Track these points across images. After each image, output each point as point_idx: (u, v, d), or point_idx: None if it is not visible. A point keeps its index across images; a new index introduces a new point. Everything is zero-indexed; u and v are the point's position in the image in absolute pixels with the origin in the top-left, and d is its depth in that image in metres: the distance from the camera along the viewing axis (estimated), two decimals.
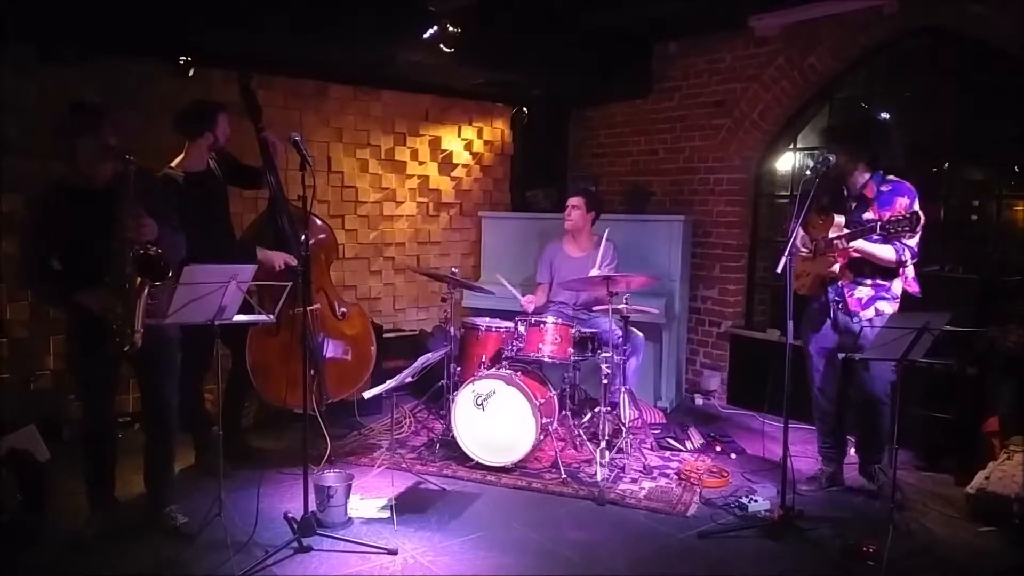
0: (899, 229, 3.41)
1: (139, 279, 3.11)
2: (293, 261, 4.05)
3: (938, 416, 4.50)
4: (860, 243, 3.66)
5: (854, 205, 3.82)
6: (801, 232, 3.81)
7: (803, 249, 3.92)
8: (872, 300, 3.77)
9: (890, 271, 3.75)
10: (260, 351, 4.18)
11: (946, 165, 4.85)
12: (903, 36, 4.92)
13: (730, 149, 5.83)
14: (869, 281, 3.79)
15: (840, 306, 3.85)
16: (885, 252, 3.65)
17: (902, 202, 3.67)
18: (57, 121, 3.34)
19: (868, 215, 3.73)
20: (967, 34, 4.62)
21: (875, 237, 3.58)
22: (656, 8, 5.22)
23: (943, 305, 3.52)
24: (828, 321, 3.91)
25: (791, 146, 5.78)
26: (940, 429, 4.47)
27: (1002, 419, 4.07)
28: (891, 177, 3.77)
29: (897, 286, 3.79)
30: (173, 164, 3.94)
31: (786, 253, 3.49)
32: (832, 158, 3.59)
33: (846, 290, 3.82)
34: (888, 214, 3.58)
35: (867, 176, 3.78)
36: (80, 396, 3.50)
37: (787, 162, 5.83)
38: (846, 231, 3.71)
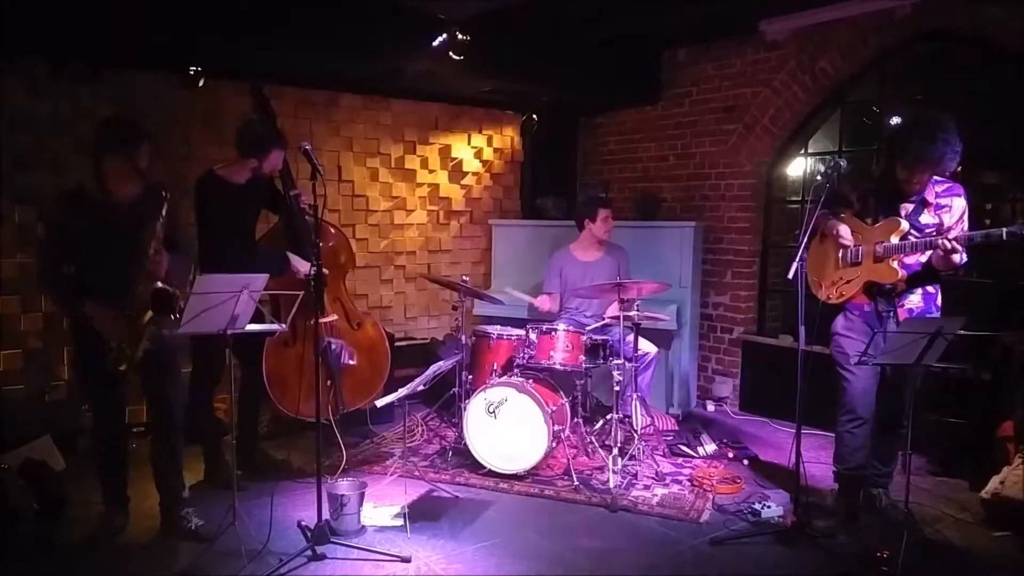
0: None
1: (149, 312, 3.18)
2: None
3: (952, 421, 4.47)
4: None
5: (910, 208, 3.59)
6: (845, 226, 3.65)
7: (847, 241, 3.65)
8: (922, 312, 3.59)
9: (936, 277, 3.60)
10: (277, 362, 4.21)
11: (959, 169, 4.81)
12: (916, 39, 4.89)
13: (741, 154, 5.82)
14: (919, 290, 3.60)
15: (891, 315, 3.61)
16: (956, 256, 3.40)
17: (959, 203, 3.51)
18: (93, 131, 3.36)
19: (926, 218, 3.55)
20: (981, 37, 4.59)
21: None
22: (665, 15, 5.22)
23: (957, 309, 3.50)
24: (875, 331, 3.54)
25: (802, 151, 5.76)
26: (954, 434, 4.44)
27: (1017, 424, 4.03)
28: (938, 177, 3.57)
29: (939, 296, 3.64)
30: (219, 167, 4.02)
31: (797, 259, 3.44)
32: (844, 163, 3.53)
33: (897, 299, 3.61)
34: (946, 216, 3.49)
35: (927, 178, 3.54)
36: (92, 407, 3.54)
37: (799, 167, 5.81)
38: (962, 232, 3.42)
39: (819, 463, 4.36)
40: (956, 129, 3.45)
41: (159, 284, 3.18)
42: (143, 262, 3.19)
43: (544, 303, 5.05)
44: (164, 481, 3.59)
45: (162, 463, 3.59)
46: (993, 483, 3.78)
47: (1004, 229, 3.19)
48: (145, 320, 3.19)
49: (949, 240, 3.32)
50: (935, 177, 3.56)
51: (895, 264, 3.54)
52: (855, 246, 3.66)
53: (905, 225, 3.54)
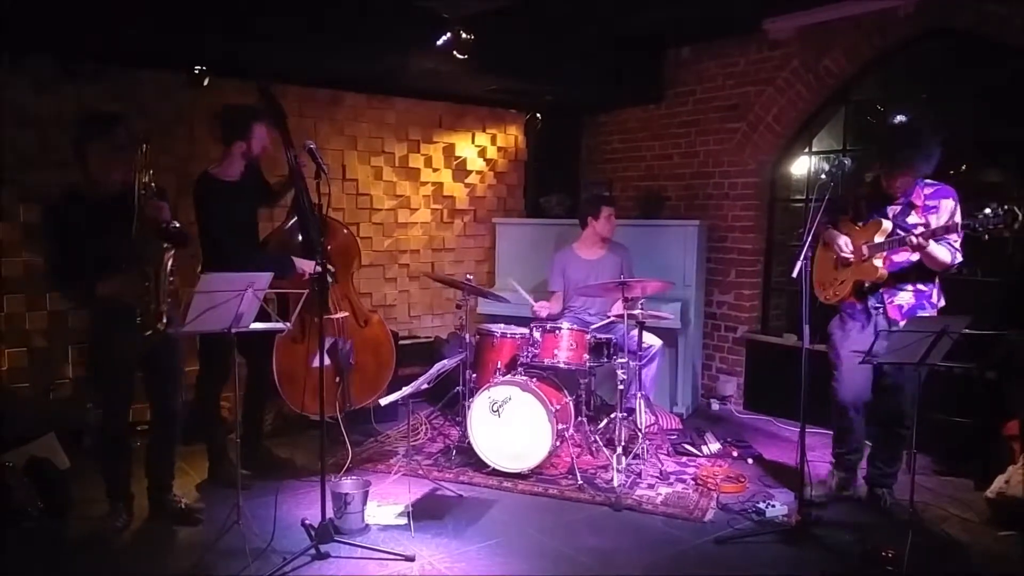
0: (995, 225, 3.21)
1: (165, 251, 3.26)
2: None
3: (957, 420, 4.46)
4: (931, 244, 3.46)
5: (897, 210, 3.70)
6: (845, 237, 3.78)
7: (847, 253, 3.76)
8: (913, 309, 3.66)
9: (930, 276, 3.68)
10: (287, 358, 4.21)
11: (963, 167, 4.81)
12: (920, 38, 4.88)
13: (745, 153, 5.81)
14: (910, 287, 3.69)
15: (880, 311, 3.72)
16: (942, 254, 3.51)
17: (948, 204, 3.59)
18: (73, 129, 3.40)
19: (913, 219, 3.64)
20: (984, 35, 4.57)
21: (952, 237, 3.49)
22: (669, 13, 5.22)
23: (962, 308, 3.49)
24: (865, 328, 3.73)
25: (806, 150, 5.74)
26: (959, 433, 4.43)
27: (1022, 423, 4.03)
28: (927, 180, 3.69)
29: (935, 294, 3.71)
30: (212, 167, 4.02)
31: (801, 257, 3.46)
32: (848, 162, 3.55)
33: (886, 296, 3.71)
34: (933, 217, 3.57)
35: (913, 181, 3.65)
36: (101, 399, 3.57)
37: (802, 166, 5.79)
38: (930, 228, 3.50)
39: (824, 462, 4.35)
40: (933, 136, 3.59)
41: (162, 224, 3.24)
42: (142, 219, 3.23)
43: (542, 309, 5.04)
44: (155, 472, 3.70)
45: (155, 457, 3.70)
46: (998, 482, 3.78)
47: (959, 222, 3.36)
48: (160, 262, 3.26)
49: (915, 236, 3.45)
50: (926, 180, 3.68)
51: (878, 261, 3.66)
52: (852, 253, 3.77)
53: (888, 225, 3.66)
